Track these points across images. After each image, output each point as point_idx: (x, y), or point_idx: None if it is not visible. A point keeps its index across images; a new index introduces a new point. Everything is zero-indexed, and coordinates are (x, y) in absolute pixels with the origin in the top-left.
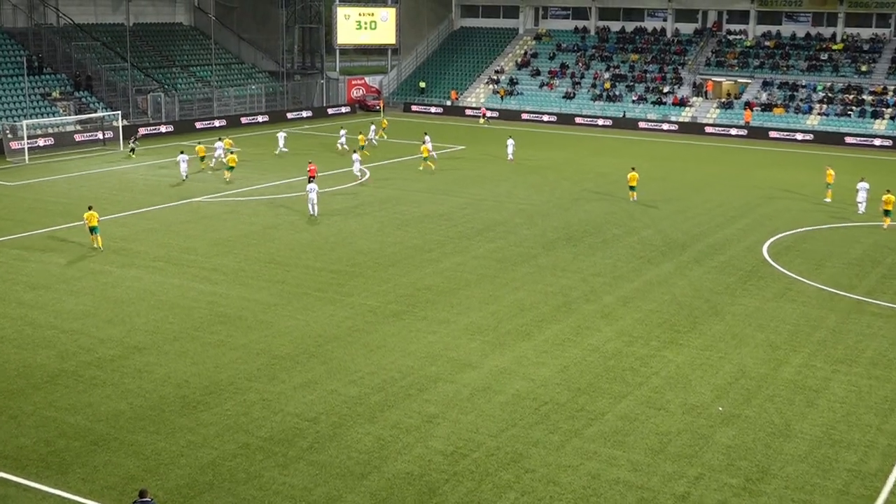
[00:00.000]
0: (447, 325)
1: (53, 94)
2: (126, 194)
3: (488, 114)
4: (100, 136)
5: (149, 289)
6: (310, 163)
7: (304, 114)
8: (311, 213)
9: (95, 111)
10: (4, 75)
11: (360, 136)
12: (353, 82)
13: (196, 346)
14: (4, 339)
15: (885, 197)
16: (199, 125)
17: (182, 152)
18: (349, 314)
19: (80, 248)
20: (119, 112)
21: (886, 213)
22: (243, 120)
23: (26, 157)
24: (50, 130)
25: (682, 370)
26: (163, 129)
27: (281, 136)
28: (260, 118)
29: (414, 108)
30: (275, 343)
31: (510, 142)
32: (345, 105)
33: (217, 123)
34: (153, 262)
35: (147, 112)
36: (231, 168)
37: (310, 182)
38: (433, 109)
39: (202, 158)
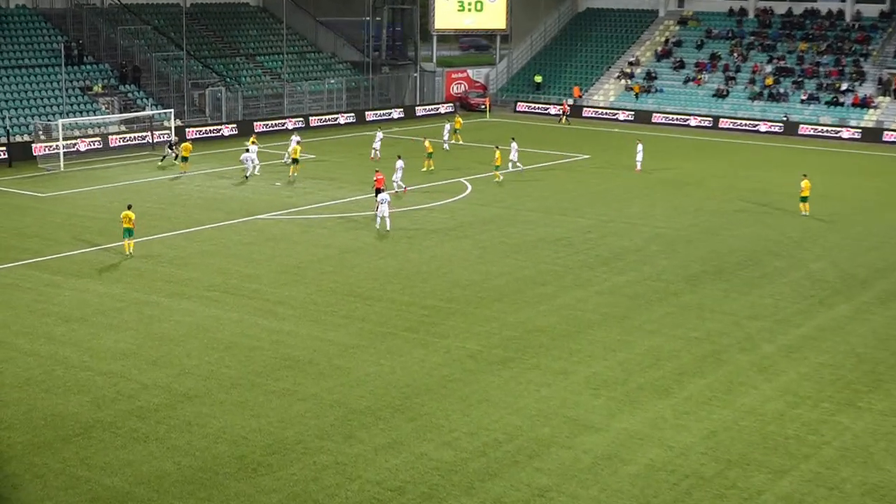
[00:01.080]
0: (564, 376)
1: (95, 87)
2: (177, 209)
3: (568, 108)
4: (148, 138)
5: (202, 324)
6: (377, 172)
7: (394, 113)
8: (378, 227)
9: (143, 108)
10: (38, 65)
11: (425, 142)
12: (454, 76)
13: (257, 395)
14: (31, 381)
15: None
16: (265, 126)
17: (254, 142)
18: (444, 360)
19: (122, 272)
20: (171, 110)
21: (803, 199)
22: (318, 120)
23: (61, 164)
24: (89, 131)
25: (862, 440)
26: (224, 130)
27: (378, 137)
28: (341, 118)
29: (525, 107)
30: (352, 394)
31: (639, 147)
32: (443, 103)
33: (289, 124)
34: (207, 292)
35: (205, 110)
36: (295, 161)
37: (379, 193)
38: (552, 110)
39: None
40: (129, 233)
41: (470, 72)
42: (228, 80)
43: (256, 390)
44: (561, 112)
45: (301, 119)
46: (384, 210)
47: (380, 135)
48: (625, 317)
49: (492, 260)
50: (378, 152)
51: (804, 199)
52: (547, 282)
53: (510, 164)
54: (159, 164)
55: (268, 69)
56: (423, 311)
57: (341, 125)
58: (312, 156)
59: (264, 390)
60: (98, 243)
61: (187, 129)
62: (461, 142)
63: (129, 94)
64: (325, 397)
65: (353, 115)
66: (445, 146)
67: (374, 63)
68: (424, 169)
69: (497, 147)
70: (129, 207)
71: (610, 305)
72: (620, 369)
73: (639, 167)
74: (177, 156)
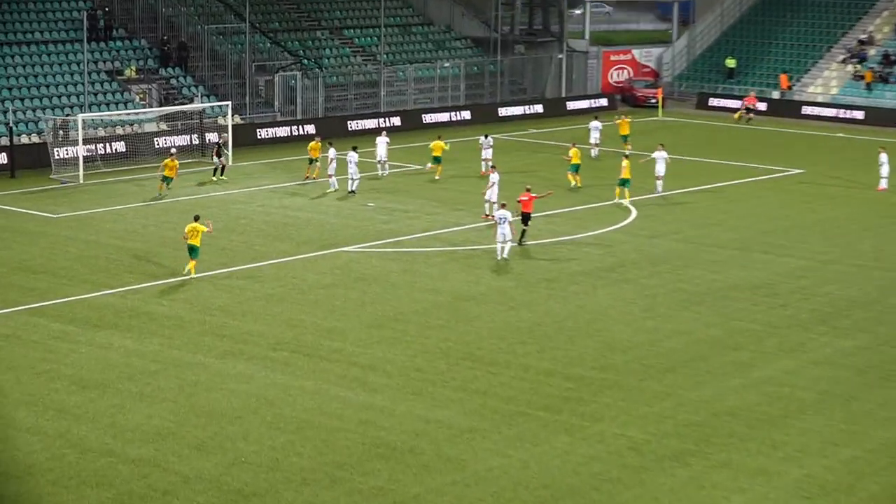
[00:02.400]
0: (766, 478)
1: (127, 72)
2: (233, 237)
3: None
4: (196, 139)
5: (264, 395)
6: (527, 190)
7: (530, 109)
8: (499, 255)
9: (191, 100)
10: (52, 41)
11: (570, 149)
12: (613, 58)
13: (339, 495)
14: (34, 468)
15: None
16: (355, 124)
17: (354, 149)
18: (595, 452)
19: (158, 322)
20: (228, 103)
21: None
22: (428, 117)
23: (80, 173)
24: (119, 130)
25: None
26: (300, 129)
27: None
28: (459, 114)
29: (715, 101)
30: (469, 496)
31: (883, 157)
32: (597, 96)
33: (387, 121)
34: (273, 352)
35: (273, 102)
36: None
37: (499, 208)
38: (754, 106)
39: (311, 161)
40: (193, 251)
41: (636, 52)
42: (306, 62)
43: (338, 488)
44: (743, 106)
45: (398, 116)
46: (505, 231)
47: (487, 140)
48: (851, 397)
49: (663, 314)
50: (490, 164)
51: None
52: (741, 346)
53: (658, 185)
54: (214, 178)
55: (359, 48)
56: (568, 383)
57: (457, 122)
58: (417, 166)
59: (348, 489)
60: (127, 283)
61: (257, 129)
62: (631, 150)
63: (173, 81)
64: (432, 500)
65: (473, 110)
66: (593, 153)
67: (504, 40)
68: (573, 185)
69: (626, 155)
70: (197, 219)
71: (830, 381)
72: (845, 471)
73: (883, 185)
74: (223, 168)
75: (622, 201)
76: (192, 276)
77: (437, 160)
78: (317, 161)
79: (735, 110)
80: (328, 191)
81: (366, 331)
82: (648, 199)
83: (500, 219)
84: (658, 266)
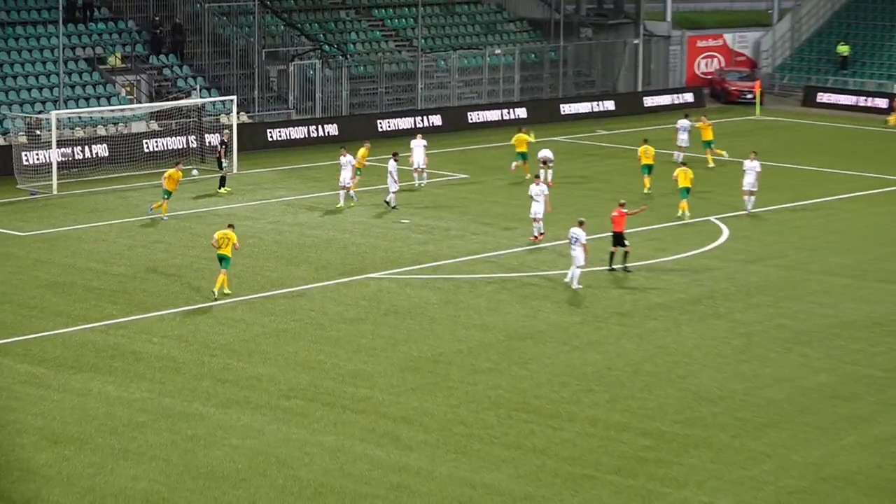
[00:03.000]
0: None
1: (111, 59)
2: (238, 260)
3: None
4: (194, 142)
5: (274, 453)
6: (620, 205)
7: (599, 105)
8: (569, 281)
9: (188, 94)
10: (22, 22)
11: (641, 148)
12: (701, 44)
13: None
14: None
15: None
16: (386, 124)
17: (394, 157)
18: None
19: (146, 364)
20: (234, 97)
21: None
22: (475, 115)
23: (54, 182)
24: (101, 131)
25: None
26: (320, 129)
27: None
28: (512, 112)
29: (825, 97)
30: None
31: None
32: (681, 90)
33: (425, 121)
34: (285, 400)
35: (288, 97)
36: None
37: (576, 227)
38: (872, 102)
39: (357, 173)
40: (225, 262)
41: (728, 37)
42: (327, 48)
43: None
44: (891, 107)
45: (438, 115)
46: (577, 256)
47: (545, 156)
48: None
49: (762, 356)
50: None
51: None
52: (858, 395)
53: (748, 202)
54: (221, 191)
55: (392, 31)
56: (644, 440)
57: (510, 121)
58: (462, 176)
59: None
60: (109, 315)
61: (268, 130)
62: (725, 156)
63: (166, 71)
64: None
65: (529, 107)
66: (678, 156)
67: (567, 22)
68: (646, 190)
69: (683, 162)
70: (231, 227)
71: None
72: None
73: None
74: (224, 179)
75: (685, 213)
76: (226, 293)
77: (522, 156)
78: (360, 172)
79: (859, 110)
80: (338, 204)
81: (398, 375)
82: (743, 216)
83: (573, 239)
84: (755, 298)
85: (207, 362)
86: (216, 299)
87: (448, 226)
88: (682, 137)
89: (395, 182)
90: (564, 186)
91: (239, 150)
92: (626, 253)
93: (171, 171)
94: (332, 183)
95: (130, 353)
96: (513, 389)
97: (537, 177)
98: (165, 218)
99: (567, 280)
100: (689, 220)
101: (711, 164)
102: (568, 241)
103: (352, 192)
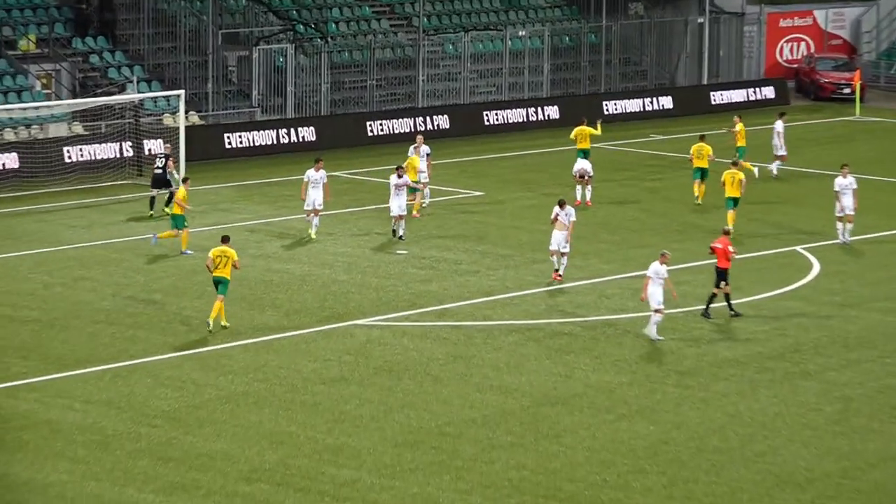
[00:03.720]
0: None
1: (22, 43)
2: (185, 302)
3: None
4: (130, 150)
5: None
6: (725, 233)
7: (653, 103)
8: (652, 336)
9: (121, 88)
10: None
11: (736, 170)
12: (784, 23)
13: None
14: None
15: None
16: (377, 127)
17: (398, 172)
18: None
19: (63, 436)
20: (181, 92)
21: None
22: (493, 115)
23: None
24: (8, 135)
25: None
26: (293, 134)
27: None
28: (541, 111)
29: None
30: None
31: None
32: (759, 83)
33: (428, 123)
34: (245, 485)
35: (251, 92)
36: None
37: (657, 262)
38: None
39: (413, 191)
40: (221, 286)
41: (820, 15)
42: (302, 28)
43: None
44: None
45: (444, 115)
46: (655, 293)
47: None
48: None
49: (863, 427)
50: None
51: None
52: None
53: (843, 230)
54: (152, 211)
55: (385, 5)
56: None
57: (537, 124)
58: (476, 193)
59: None
60: (18, 375)
61: (226, 134)
62: (754, 173)
63: (93, 58)
64: None
65: (563, 105)
66: (774, 169)
67: None
68: (699, 200)
69: (732, 163)
70: (226, 241)
71: None
72: None
73: None
74: (170, 197)
75: (729, 228)
76: (224, 325)
77: (583, 154)
78: (417, 187)
79: None
80: (311, 232)
81: (393, 452)
82: (833, 246)
83: (655, 276)
84: (855, 352)
85: (145, 435)
86: (210, 331)
87: (457, 258)
88: (777, 143)
89: (403, 206)
90: (606, 208)
91: (188, 161)
92: (728, 295)
93: (180, 192)
94: (296, 202)
95: (45, 423)
96: (541, 470)
97: (562, 203)
98: (189, 252)
99: (648, 331)
100: (767, 251)
101: (756, 174)
102: (646, 277)
103: (312, 218)
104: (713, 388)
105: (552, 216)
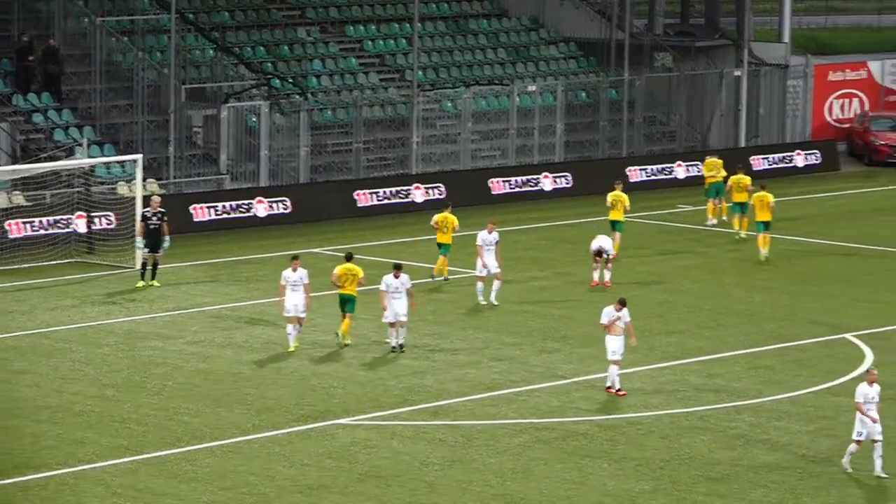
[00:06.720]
0: None
1: None
2: (142, 399)
3: None
4: (78, 224)
5: None
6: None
7: (683, 169)
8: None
9: (69, 152)
10: None
11: (764, 192)
12: (834, 76)
13: None
14: None
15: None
16: (364, 198)
17: (395, 272)
18: None
19: None
20: (139, 156)
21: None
22: (498, 184)
23: None
24: None
25: None
26: (267, 205)
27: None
28: (553, 178)
29: None
30: None
31: None
32: (804, 145)
33: (424, 191)
34: None
35: (219, 156)
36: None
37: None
38: None
39: (441, 250)
40: (348, 304)
41: (874, 67)
42: (278, 83)
43: None
44: None
45: (441, 183)
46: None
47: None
48: None
49: None
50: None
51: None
52: None
53: None
54: (154, 283)
55: (374, 56)
56: None
57: (553, 195)
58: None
59: None
60: None
61: (191, 206)
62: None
63: (37, 117)
64: None
65: (577, 172)
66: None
67: (636, 44)
68: (741, 234)
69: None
70: (350, 259)
71: None
72: None
73: None
74: (153, 266)
75: (763, 252)
76: (347, 343)
77: (716, 192)
78: (446, 250)
79: None
80: (290, 346)
81: None
82: (891, 332)
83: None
84: None
85: None
86: (342, 347)
87: (455, 346)
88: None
89: (405, 310)
90: (628, 289)
91: (147, 235)
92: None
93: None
94: (273, 280)
95: None
96: None
97: (622, 303)
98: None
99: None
100: (811, 339)
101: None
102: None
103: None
104: (750, 495)
105: (605, 320)
